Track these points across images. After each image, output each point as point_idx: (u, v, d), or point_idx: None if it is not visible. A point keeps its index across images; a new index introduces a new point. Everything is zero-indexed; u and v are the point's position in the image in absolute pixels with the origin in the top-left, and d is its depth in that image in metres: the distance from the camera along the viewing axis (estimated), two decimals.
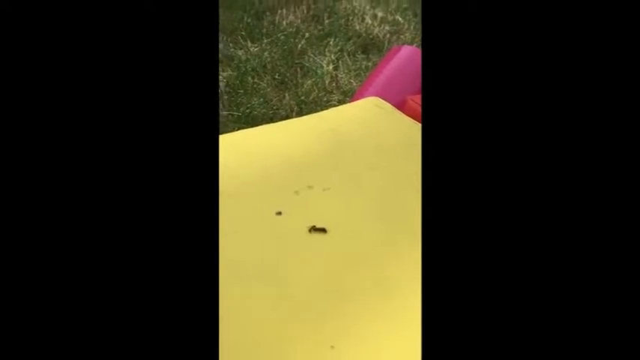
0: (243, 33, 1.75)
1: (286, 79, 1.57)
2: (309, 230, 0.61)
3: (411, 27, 1.90)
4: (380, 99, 0.90)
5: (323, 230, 0.61)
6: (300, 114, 1.41)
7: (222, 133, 0.74)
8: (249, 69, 1.58)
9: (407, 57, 1.10)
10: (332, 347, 0.48)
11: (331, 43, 1.73)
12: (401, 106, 0.91)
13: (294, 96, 1.50)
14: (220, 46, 1.66)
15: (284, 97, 1.50)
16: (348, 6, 1.99)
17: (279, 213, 0.63)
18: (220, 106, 1.42)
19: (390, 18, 1.94)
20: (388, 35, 1.84)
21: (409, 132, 0.82)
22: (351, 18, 1.91)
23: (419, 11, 1.95)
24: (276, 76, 1.58)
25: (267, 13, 1.89)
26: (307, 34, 1.78)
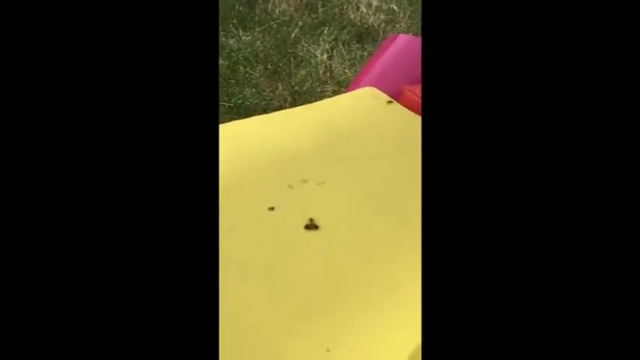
0: (234, 21, 1.72)
1: (279, 69, 1.55)
2: (305, 225, 0.59)
3: (407, 16, 1.87)
4: (376, 89, 0.88)
5: (315, 227, 0.59)
6: (293, 105, 1.39)
7: None
8: (241, 58, 1.55)
9: (403, 46, 1.07)
10: (327, 350, 0.47)
11: (325, 32, 1.71)
12: (397, 96, 0.88)
13: (288, 86, 1.48)
14: None
15: (277, 87, 1.48)
16: None
17: (272, 208, 0.61)
18: None
19: (385, 7, 1.92)
20: (383, 24, 1.81)
21: (406, 123, 0.80)
22: (345, 6, 1.88)
23: (414, 0, 1.93)
24: (269, 66, 1.55)
25: (260, 1, 1.86)
26: (301, 23, 1.75)
